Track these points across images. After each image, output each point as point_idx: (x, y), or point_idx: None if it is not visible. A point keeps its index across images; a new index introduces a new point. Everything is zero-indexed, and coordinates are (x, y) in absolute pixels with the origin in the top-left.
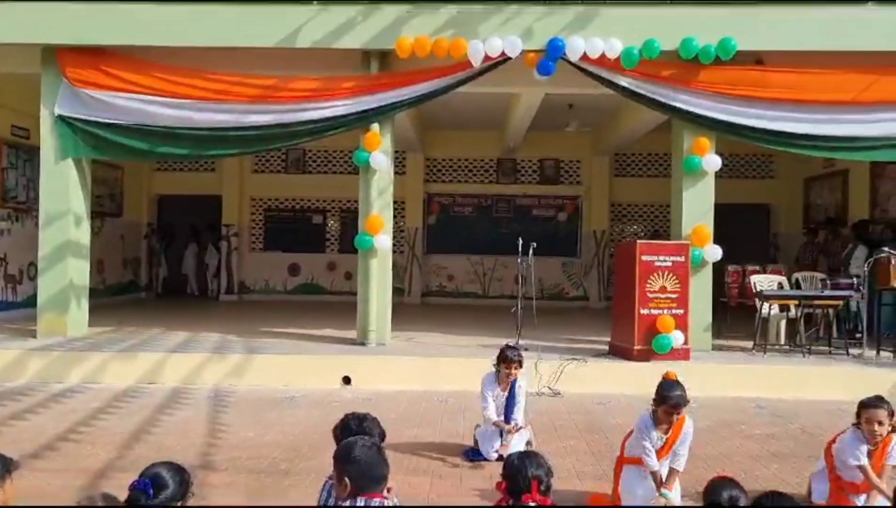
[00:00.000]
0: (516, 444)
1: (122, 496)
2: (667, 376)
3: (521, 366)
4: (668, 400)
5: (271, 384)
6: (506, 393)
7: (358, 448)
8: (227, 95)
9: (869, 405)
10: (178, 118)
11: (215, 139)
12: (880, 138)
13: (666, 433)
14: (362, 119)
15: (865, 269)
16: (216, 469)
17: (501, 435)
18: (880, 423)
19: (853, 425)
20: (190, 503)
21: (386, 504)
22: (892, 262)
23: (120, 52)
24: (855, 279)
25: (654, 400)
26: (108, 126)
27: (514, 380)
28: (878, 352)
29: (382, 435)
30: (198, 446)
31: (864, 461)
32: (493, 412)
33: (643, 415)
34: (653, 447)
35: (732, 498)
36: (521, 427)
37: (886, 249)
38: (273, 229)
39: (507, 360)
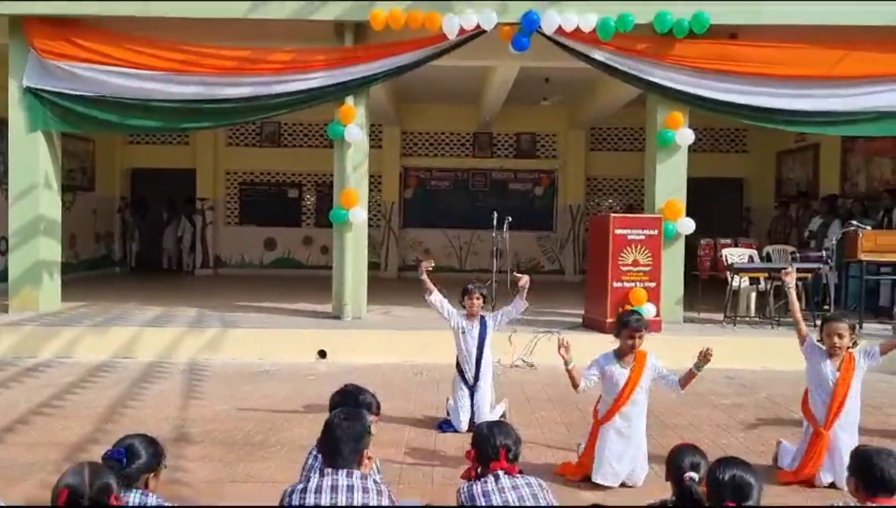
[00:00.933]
0: (491, 415)
1: None
2: (625, 307)
3: (482, 298)
4: (628, 324)
5: (246, 357)
6: (476, 329)
7: (333, 422)
8: (201, 67)
9: (830, 319)
10: (151, 90)
11: (188, 112)
12: (850, 113)
13: (629, 364)
14: (337, 92)
15: (834, 241)
16: (191, 441)
17: (472, 399)
18: (840, 335)
19: (816, 341)
20: (162, 474)
21: (350, 480)
22: (860, 235)
23: (89, 23)
24: (824, 252)
25: (615, 332)
26: (78, 98)
27: (484, 319)
28: None
29: (377, 408)
30: (172, 419)
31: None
32: (457, 319)
33: (605, 352)
34: (613, 380)
35: (694, 465)
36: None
37: (855, 222)
38: (248, 203)
39: (467, 292)
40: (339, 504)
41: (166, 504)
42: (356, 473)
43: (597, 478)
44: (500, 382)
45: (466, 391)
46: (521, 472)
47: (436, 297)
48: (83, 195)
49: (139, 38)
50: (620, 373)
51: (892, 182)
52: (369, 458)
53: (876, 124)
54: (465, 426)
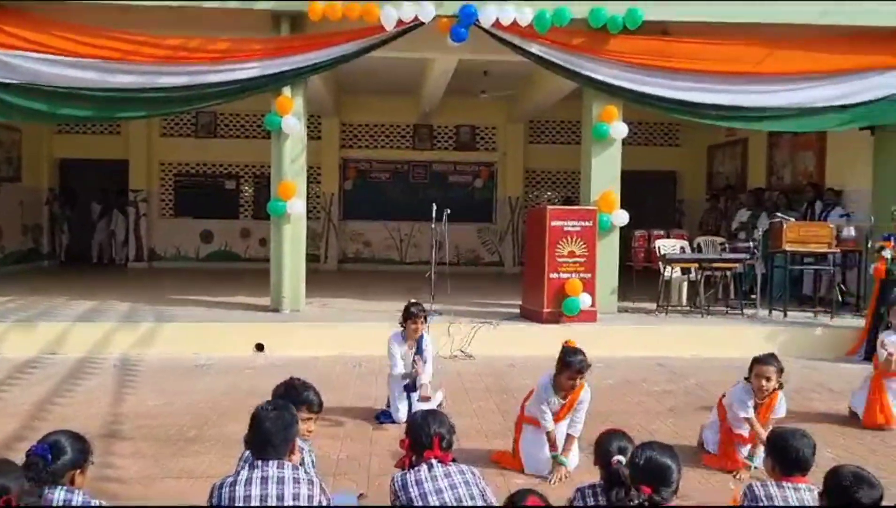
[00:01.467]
0: (429, 404)
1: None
2: (567, 343)
3: (425, 321)
4: (571, 366)
5: (181, 352)
6: (413, 350)
7: (262, 415)
8: (133, 55)
9: (760, 361)
10: (81, 79)
11: (120, 101)
12: (775, 109)
13: (564, 398)
14: (274, 82)
15: (759, 232)
16: (122, 437)
17: (409, 395)
18: (768, 379)
19: (744, 379)
20: (91, 471)
21: (280, 471)
22: (785, 226)
23: (16, 9)
24: (751, 243)
25: (557, 367)
26: (5, 86)
27: (422, 336)
28: (770, 312)
29: (320, 406)
30: (103, 415)
31: (751, 413)
32: (401, 369)
33: (543, 380)
34: (550, 410)
35: (621, 449)
36: (429, 391)
37: (780, 214)
38: (184, 195)
39: (411, 316)
40: (270, 494)
41: (93, 502)
42: (287, 464)
43: (531, 471)
44: (438, 372)
45: (403, 384)
46: (454, 460)
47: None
48: (9, 186)
49: (70, 26)
50: (557, 405)
51: (815, 176)
52: (299, 450)
53: (799, 120)
54: (402, 416)
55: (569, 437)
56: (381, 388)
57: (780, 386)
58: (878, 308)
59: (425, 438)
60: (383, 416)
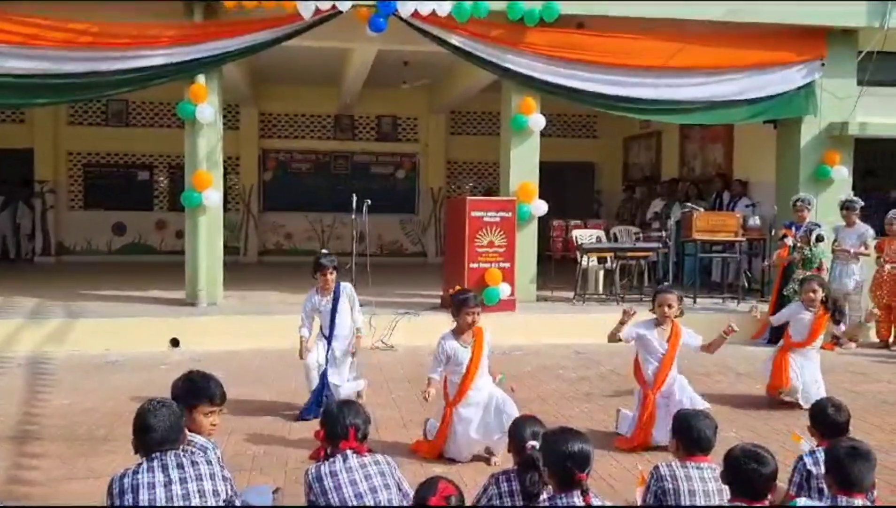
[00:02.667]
0: (347, 393)
1: None
2: (455, 289)
3: (336, 271)
4: (467, 302)
5: (92, 349)
6: (329, 302)
7: (146, 412)
8: (35, 39)
9: (662, 291)
10: None
11: (21, 87)
12: (686, 102)
13: (469, 342)
14: (186, 70)
15: (672, 222)
16: (29, 438)
17: (328, 344)
18: (669, 306)
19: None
20: None
21: (178, 458)
22: (695, 216)
23: None
24: (664, 233)
25: (453, 312)
26: None
27: (338, 285)
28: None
29: (223, 398)
30: (10, 416)
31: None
32: (307, 330)
33: (442, 336)
34: (451, 359)
35: (534, 434)
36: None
37: (690, 204)
38: (94, 186)
39: (321, 268)
40: (173, 479)
41: None
42: (182, 452)
43: (449, 454)
44: (359, 364)
45: (324, 343)
46: (370, 451)
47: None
48: None
49: None
50: (463, 352)
51: (724, 167)
52: (201, 449)
53: (708, 113)
54: (315, 374)
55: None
56: (301, 382)
57: (681, 313)
58: (781, 293)
59: (340, 429)
60: (305, 413)
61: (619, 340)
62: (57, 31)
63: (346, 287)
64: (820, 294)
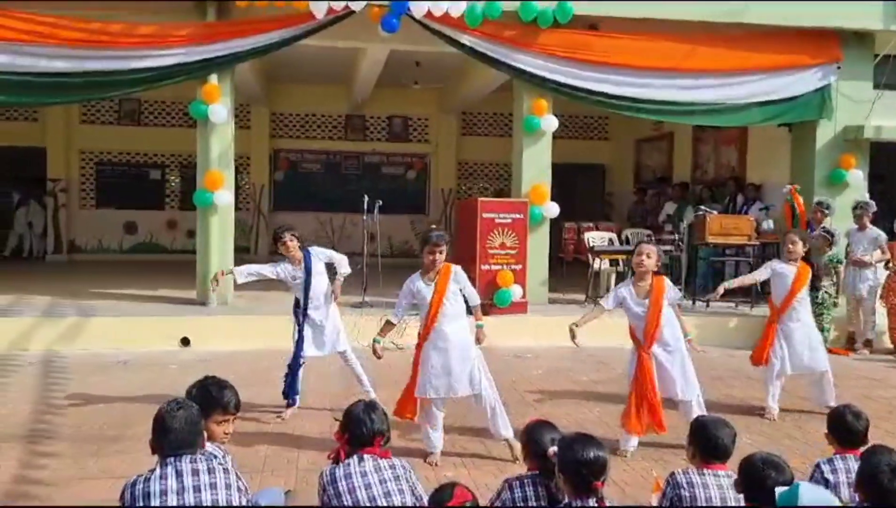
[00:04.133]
0: (331, 337)
1: None
2: (427, 229)
3: (296, 239)
4: (429, 239)
5: (103, 348)
6: (300, 269)
7: (165, 415)
8: (51, 38)
9: (640, 242)
10: None
11: (37, 86)
12: (700, 104)
13: (433, 279)
14: (199, 70)
15: (684, 225)
16: (39, 438)
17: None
18: (648, 256)
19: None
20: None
21: (194, 464)
22: (708, 219)
23: None
24: (676, 236)
25: (420, 248)
26: None
27: (307, 252)
28: (693, 301)
29: (237, 406)
30: (20, 415)
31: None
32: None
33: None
34: (418, 297)
35: (554, 440)
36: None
37: (703, 207)
38: (106, 185)
39: (278, 238)
40: (187, 486)
41: None
42: (199, 457)
43: (419, 393)
44: (369, 364)
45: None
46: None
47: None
48: None
49: None
50: (426, 289)
51: (737, 170)
52: (212, 456)
53: (722, 115)
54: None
55: (475, 308)
56: (310, 382)
57: (659, 267)
58: None
59: (366, 435)
60: (290, 392)
61: (575, 337)
62: (72, 31)
63: (316, 250)
64: (800, 247)
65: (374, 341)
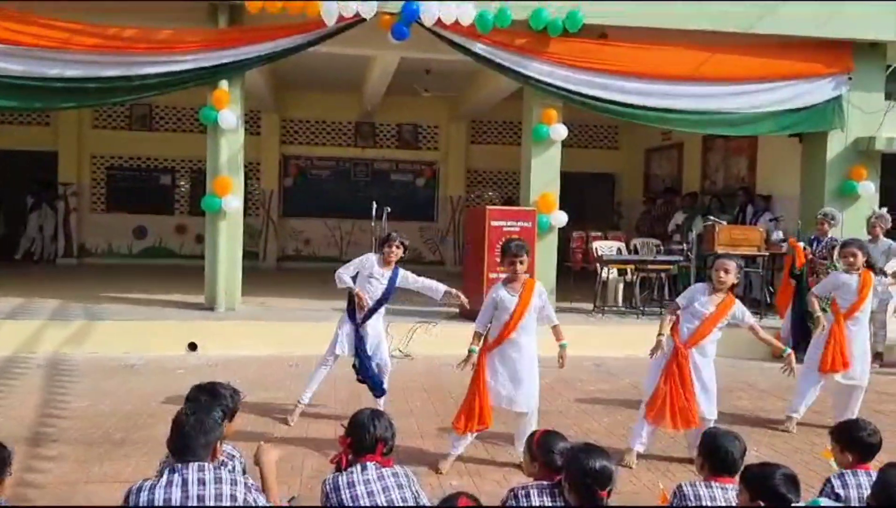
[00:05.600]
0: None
1: None
2: (507, 238)
3: (403, 248)
4: (505, 251)
5: (112, 351)
6: (385, 278)
7: (181, 419)
8: (66, 44)
9: (720, 256)
10: (7, 68)
11: (51, 91)
12: (709, 113)
13: (517, 291)
14: (210, 75)
15: (694, 235)
16: (45, 441)
17: (354, 323)
18: (726, 271)
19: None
20: (8, 479)
21: (202, 473)
22: (717, 229)
23: None
24: (685, 246)
25: (500, 260)
26: None
27: (397, 268)
28: None
29: (233, 404)
30: (27, 417)
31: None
32: (348, 281)
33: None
34: (501, 304)
35: (563, 450)
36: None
37: (712, 217)
38: (116, 189)
39: (390, 240)
40: (191, 496)
41: None
42: (208, 466)
43: (495, 400)
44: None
45: (352, 325)
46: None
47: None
48: None
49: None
50: (510, 300)
51: (747, 180)
52: (229, 457)
53: (734, 125)
54: (347, 350)
55: (555, 328)
56: (321, 390)
57: (738, 283)
58: (797, 306)
59: (369, 441)
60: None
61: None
62: (86, 36)
63: (406, 273)
64: (861, 258)
65: (470, 350)
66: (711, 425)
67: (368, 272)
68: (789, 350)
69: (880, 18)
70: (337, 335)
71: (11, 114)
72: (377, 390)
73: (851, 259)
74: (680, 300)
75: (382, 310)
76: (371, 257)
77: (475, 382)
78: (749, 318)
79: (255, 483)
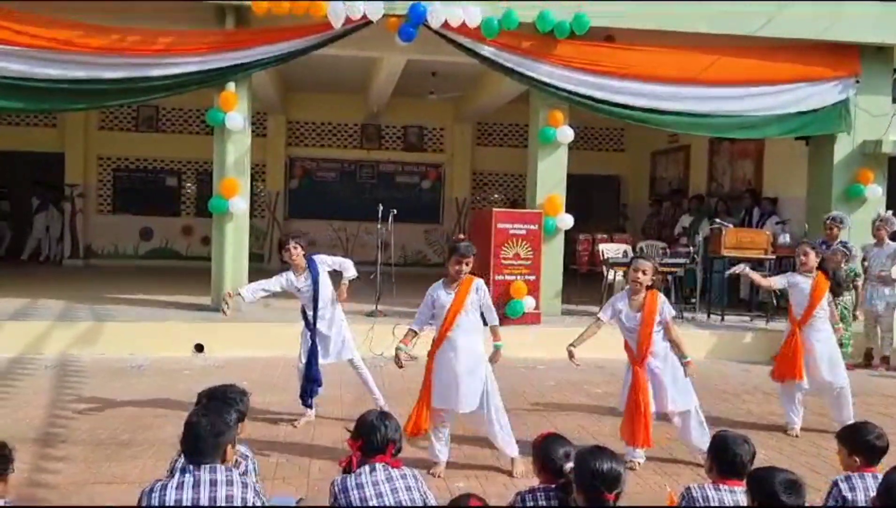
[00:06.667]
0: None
1: None
2: (458, 237)
3: (300, 246)
4: (456, 250)
5: (118, 352)
6: (307, 279)
7: (194, 419)
8: (71, 45)
9: (635, 257)
10: (12, 69)
11: (57, 92)
12: (716, 115)
13: (454, 289)
14: (217, 77)
15: (700, 238)
16: (52, 442)
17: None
18: (644, 272)
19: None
20: (11, 478)
21: (213, 475)
22: (724, 232)
23: None
24: (691, 249)
25: (446, 259)
26: None
27: (310, 260)
28: (708, 315)
29: (244, 406)
30: (34, 418)
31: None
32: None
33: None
34: (437, 305)
35: (567, 454)
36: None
37: (719, 220)
38: (123, 191)
39: (283, 245)
40: (202, 497)
41: None
42: (219, 468)
43: (436, 403)
44: (380, 374)
45: (308, 334)
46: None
47: (252, 293)
48: None
49: (7, 12)
50: (446, 298)
51: (753, 183)
52: (242, 457)
53: (740, 128)
54: (302, 356)
55: (493, 328)
56: (326, 392)
57: (654, 284)
58: None
59: (379, 443)
60: (305, 398)
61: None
62: (94, 38)
63: (322, 258)
64: (813, 257)
65: (398, 348)
66: (692, 414)
67: (294, 287)
68: (689, 358)
69: (887, 22)
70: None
71: (18, 115)
72: (304, 398)
73: (804, 258)
74: (603, 316)
75: (335, 310)
76: (287, 275)
77: (423, 385)
78: (669, 314)
79: (260, 486)
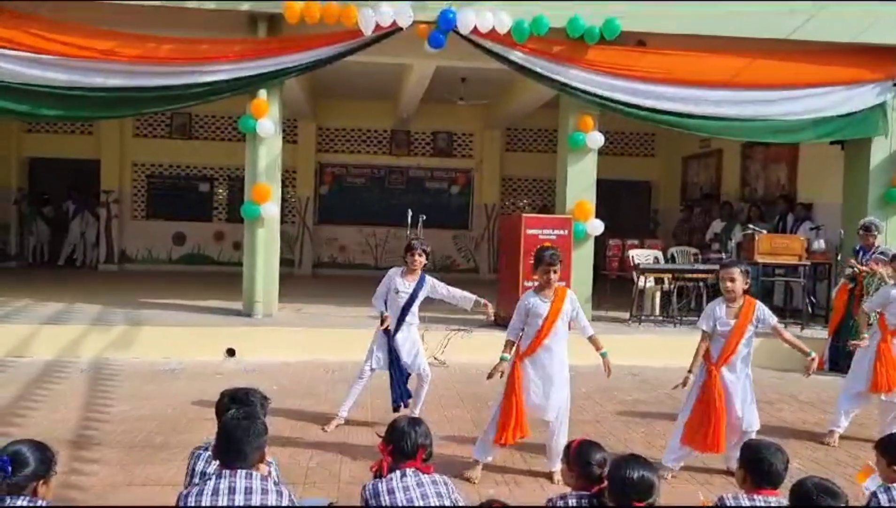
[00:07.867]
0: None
1: None
2: (541, 247)
3: (424, 255)
4: (542, 259)
5: (152, 356)
6: (410, 288)
7: (231, 423)
8: (108, 55)
9: (723, 265)
10: (52, 78)
11: (93, 101)
12: (751, 120)
13: (549, 297)
14: (249, 85)
15: (733, 244)
16: (87, 444)
17: (389, 341)
18: (732, 279)
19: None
20: (53, 481)
21: (248, 481)
22: (757, 238)
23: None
24: (724, 255)
25: (534, 269)
26: None
27: (423, 277)
28: None
29: (265, 412)
30: (70, 420)
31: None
32: (381, 306)
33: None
34: (531, 313)
35: (603, 461)
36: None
37: (752, 226)
38: (157, 196)
39: (410, 249)
40: (237, 505)
41: None
42: (255, 474)
43: (531, 406)
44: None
45: (385, 338)
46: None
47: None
48: None
49: (43, 23)
50: (542, 306)
51: (787, 188)
52: (266, 463)
53: (775, 132)
54: (383, 362)
55: (591, 338)
56: (361, 398)
57: (748, 287)
58: (844, 320)
59: (409, 448)
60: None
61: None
62: (130, 48)
63: (432, 281)
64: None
65: (501, 358)
66: (754, 436)
67: (394, 288)
68: (813, 354)
69: None
70: (371, 349)
71: (56, 123)
72: (403, 398)
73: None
74: (703, 325)
75: (414, 319)
76: (392, 273)
77: (510, 391)
78: (771, 318)
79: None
